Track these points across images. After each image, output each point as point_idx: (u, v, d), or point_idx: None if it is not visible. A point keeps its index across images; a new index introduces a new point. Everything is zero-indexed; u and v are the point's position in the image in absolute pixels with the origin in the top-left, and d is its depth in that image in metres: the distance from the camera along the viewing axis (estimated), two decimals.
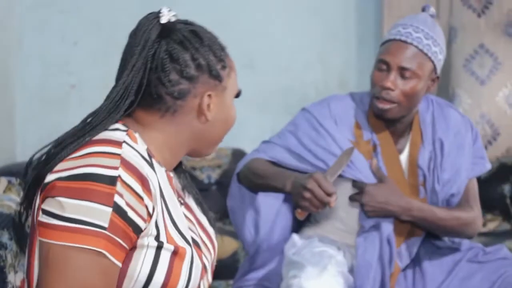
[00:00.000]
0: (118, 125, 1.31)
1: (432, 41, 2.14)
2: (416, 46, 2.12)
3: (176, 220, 1.31)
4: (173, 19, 1.32)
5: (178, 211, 1.34)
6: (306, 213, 2.00)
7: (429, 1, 3.70)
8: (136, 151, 1.27)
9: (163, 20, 1.31)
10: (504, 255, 2.24)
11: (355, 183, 2.20)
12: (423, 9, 2.24)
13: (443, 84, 3.69)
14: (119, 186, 1.20)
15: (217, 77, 1.35)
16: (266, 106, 3.79)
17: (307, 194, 1.93)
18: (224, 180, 3.42)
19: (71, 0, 3.57)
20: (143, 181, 1.24)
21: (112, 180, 1.20)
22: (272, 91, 3.80)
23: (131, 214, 1.21)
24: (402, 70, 2.12)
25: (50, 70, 3.59)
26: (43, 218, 1.21)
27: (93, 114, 1.30)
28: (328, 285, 2.06)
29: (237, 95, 1.45)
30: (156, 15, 1.32)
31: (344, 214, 2.28)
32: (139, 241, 1.24)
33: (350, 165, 2.17)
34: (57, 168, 1.24)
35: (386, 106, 2.15)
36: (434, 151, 2.27)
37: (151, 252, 1.25)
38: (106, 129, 1.29)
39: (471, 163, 2.29)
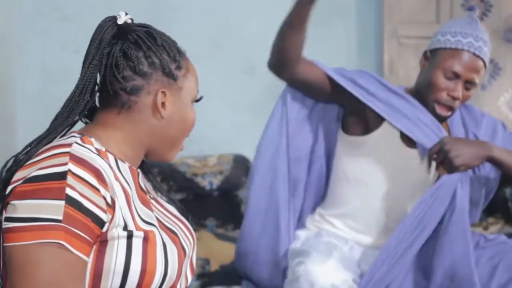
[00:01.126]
0: (73, 134, 1.36)
1: (489, 51, 2.26)
2: (484, 62, 2.23)
3: (138, 210, 1.35)
4: (129, 21, 1.38)
5: (139, 202, 1.37)
6: None
7: (429, 6, 3.72)
8: (88, 148, 1.31)
9: (120, 21, 1.37)
10: (504, 240, 2.35)
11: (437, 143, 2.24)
12: (471, 8, 2.30)
13: None
14: (69, 179, 1.24)
15: (171, 75, 1.39)
16: (267, 112, 3.78)
17: None
18: (226, 186, 3.42)
19: (71, 9, 3.59)
20: (97, 173, 1.28)
21: (61, 175, 1.24)
22: (273, 97, 3.80)
23: (87, 204, 1.24)
24: (468, 83, 2.23)
25: (51, 78, 3.59)
26: (3, 225, 1.25)
27: (58, 114, 1.37)
28: (335, 269, 2.11)
29: (198, 99, 1.48)
30: (114, 17, 1.38)
31: (359, 213, 2.32)
32: (109, 234, 1.27)
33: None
34: (14, 178, 1.28)
35: (448, 113, 2.27)
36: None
37: (123, 242, 1.28)
38: (63, 134, 1.36)
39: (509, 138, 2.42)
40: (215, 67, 3.70)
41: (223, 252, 2.93)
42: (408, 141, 2.32)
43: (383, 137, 2.32)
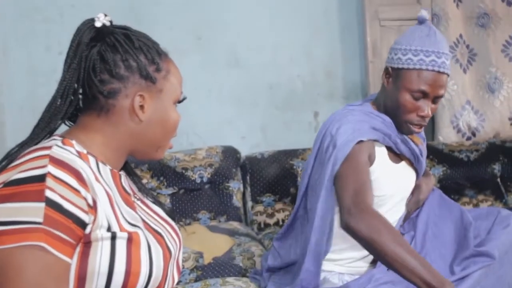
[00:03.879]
0: (54, 137, 1.37)
1: (450, 58, 2.28)
2: (448, 75, 2.26)
3: (122, 211, 1.35)
4: (107, 24, 1.38)
5: (122, 204, 1.38)
6: None
7: None
8: (68, 151, 1.32)
9: (98, 24, 1.37)
10: None
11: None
12: (421, 21, 2.30)
13: None
14: (49, 181, 1.24)
15: (149, 78, 1.39)
16: (254, 103, 3.79)
17: None
18: (216, 179, 3.42)
19: (54, 10, 3.57)
20: (77, 175, 1.28)
21: (40, 178, 1.24)
22: (259, 87, 3.81)
23: (67, 206, 1.24)
24: (436, 98, 2.26)
25: (38, 80, 3.58)
26: None
27: (40, 120, 1.38)
28: None
29: (181, 100, 1.48)
30: (92, 19, 1.38)
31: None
32: (92, 235, 1.28)
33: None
34: None
35: (420, 130, 2.33)
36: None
37: (107, 244, 1.29)
38: (45, 138, 1.36)
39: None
40: (199, 60, 3.70)
41: (216, 245, 2.94)
42: (394, 158, 2.39)
43: (381, 159, 2.35)
